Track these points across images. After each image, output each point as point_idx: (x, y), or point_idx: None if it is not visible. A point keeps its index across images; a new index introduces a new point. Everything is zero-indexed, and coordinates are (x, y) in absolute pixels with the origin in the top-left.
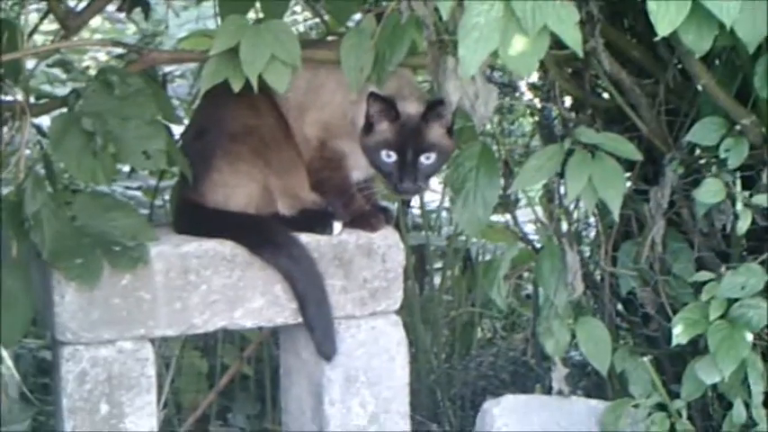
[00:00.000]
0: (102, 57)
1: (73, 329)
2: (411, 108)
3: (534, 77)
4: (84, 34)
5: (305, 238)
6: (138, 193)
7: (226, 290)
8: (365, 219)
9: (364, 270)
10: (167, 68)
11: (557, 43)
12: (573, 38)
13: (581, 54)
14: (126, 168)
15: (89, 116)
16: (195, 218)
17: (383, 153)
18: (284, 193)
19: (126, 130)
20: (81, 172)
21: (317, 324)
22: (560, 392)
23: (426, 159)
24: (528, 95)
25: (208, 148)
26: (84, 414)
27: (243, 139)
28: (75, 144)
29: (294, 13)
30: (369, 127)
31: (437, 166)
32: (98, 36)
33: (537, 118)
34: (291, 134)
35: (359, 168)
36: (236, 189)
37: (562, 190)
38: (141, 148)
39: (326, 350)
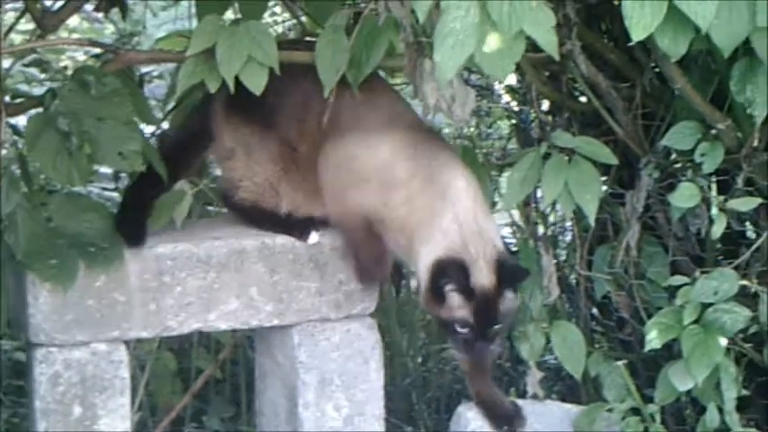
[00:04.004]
0: (81, 57)
1: (47, 331)
2: (483, 278)
3: (512, 80)
4: (63, 34)
5: (280, 240)
6: (116, 195)
7: (200, 292)
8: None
9: (339, 272)
10: (145, 69)
11: (533, 46)
12: (549, 41)
13: (557, 57)
14: (107, 170)
15: (65, 116)
16: None
17: (456, 326)
18: (291, 201)
19: (102, 130)
20: (57, 172)
21: None
22: (535, 396)
23: (499, 327)
24: (505, 98)
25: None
26: (58, 416)
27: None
28: (51, 144)
29: (274, 14)
30: (438, 295)
31: (507, 328)
32: (76, 36)
33: (514, 121)
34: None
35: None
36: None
37: (539, 193)
38: (117, 148)
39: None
